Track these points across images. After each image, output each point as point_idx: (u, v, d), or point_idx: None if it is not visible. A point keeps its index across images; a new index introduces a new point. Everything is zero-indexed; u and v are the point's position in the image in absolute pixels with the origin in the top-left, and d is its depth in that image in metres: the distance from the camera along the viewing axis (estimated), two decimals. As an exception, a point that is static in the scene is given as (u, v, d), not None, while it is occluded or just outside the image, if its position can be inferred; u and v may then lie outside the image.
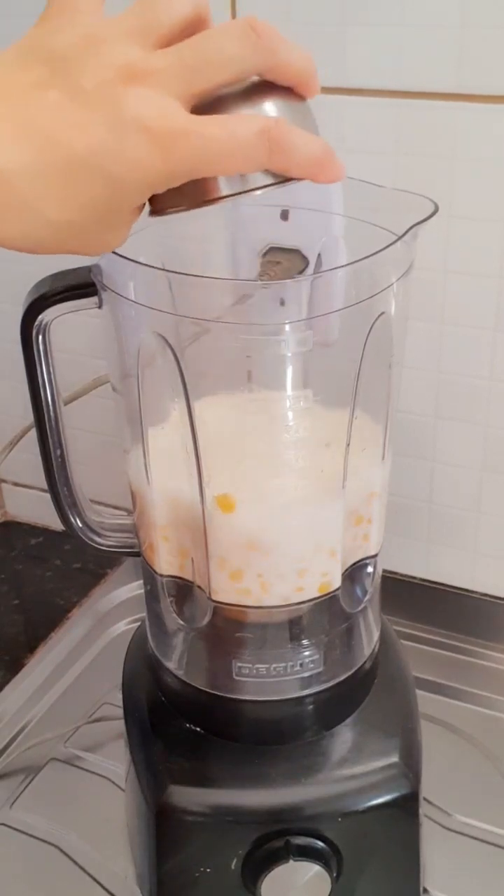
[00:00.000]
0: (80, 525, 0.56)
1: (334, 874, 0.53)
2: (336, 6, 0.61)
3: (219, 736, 0.54)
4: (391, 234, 0.46)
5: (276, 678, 0.53)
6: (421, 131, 0.63)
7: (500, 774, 0.67)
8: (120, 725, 0.59)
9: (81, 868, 0.62)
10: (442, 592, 0.78)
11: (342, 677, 0.54)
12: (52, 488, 0.55)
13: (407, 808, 0.54)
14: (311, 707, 0.54)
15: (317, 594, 0.51)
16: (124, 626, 0.82)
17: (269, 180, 0.38)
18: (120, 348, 0.50)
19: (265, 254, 0.56)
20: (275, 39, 0.38)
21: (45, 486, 0.55)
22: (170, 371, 0.47)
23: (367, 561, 0.55)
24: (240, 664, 0.52)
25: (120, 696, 0.60)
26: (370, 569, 0.55)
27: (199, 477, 0.49)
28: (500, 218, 0.63)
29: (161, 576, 0.54)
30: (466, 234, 0.64)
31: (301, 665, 0.53)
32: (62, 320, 0.50)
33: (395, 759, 0.53)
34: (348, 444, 0.49)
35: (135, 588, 0.84)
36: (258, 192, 0.38)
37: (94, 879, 0.62)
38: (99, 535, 0.57)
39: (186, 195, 0.38)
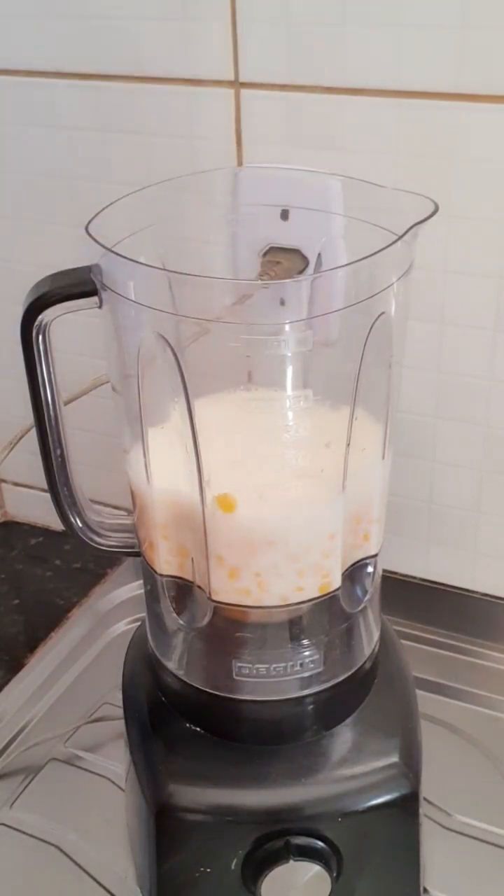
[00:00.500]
0: (80, 525, 0.56)
1: (334, 874, 0.53)
2: (336, 6, 0.61)
3: (219, 736, 0.54)
4: (391, 234, 0.46)
5: (275, 678, 0.53)
6: (421, 131, 0.63)
7: (500, 774, 0.67)
8: (120, 725, 0.59)
9: (81, 868, 0.62)
10: (442, 592, 0.78)
11: (342, 677, 0.54)
12: (52, 488, 0.55)
13: (407, 808, 0.54)
14: (311, 707, 0.54)
15: (317, 594, 0.51)
16: (124, 626, 0.82)
17: None
18: (120, 348, 0.50)
19: (265, 254, 0.56)
20: None
21: (45, 486, 0.55)
22: (170, 371, 0.47)
23: (367, 561, 0.55)
24: (240, 664, 0.52)
25: (120, 696, 0.60)
26: (370, 569, 0.55)
27: (199, 477, 0.49)
28: (500, 218, 0.63)
29: (161, 576, 0.54)
30: (466, 234, 0.64)
31: (301, 665, 0.53)
32: (62, 320, 0.50)
33: (395, 759, 0.53)
34: (348, 444, 0.49)
35: (135, 588, 0.84)
36: None
37: (94, 879, 0.62)
38: (99, 535, 0.57)
39: None
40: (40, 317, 0.49)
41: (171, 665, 0.55)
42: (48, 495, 0.55)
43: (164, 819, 0.52)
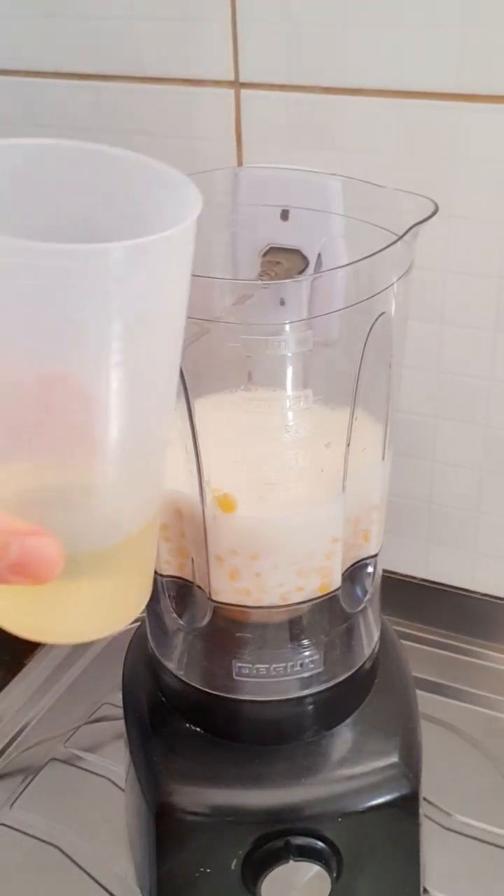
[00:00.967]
0: (80, 525, 0.56)
1: (334, 874, 0.53)
2: (336, 6, 0.61)
3: (219, 736, 0.54)
4: (391, 234, 0.46)
5: (275, 678, 0.53)
6: (421, 131, 0.63)
7: (500, 774, 0.67)
8: (120, 725, 0.59)
9: (81, 868, 0.62)
10: (442, 592, 0.78)
11: (342, 677, 0.54)
12: (52, 488, 0.54)
13: (407, 808, 0.54)
14: (311, 707, 0.54)
15: (317, 594, 0.51)
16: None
17: None
18: (120, 348, 0.50)
19: (265, 254, 0.56)
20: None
21: (45, 486, 0.55)
22: (170, 371, 0.47)
23: (367, 561, 0.55)
24: (240, 664, 0.52)
25: (120, 696, 0.60)
26: (370, 569, 0.55)
27: (199, 477, 0.49)
28: (500, 218, 0.63)
29: (161, 576, 0.54)
30: (466, 234, 0.64)
31: (301, 665, 0.53)
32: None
33: (395, 759, 0.53)
34: (348, 444, 0.49)
35: (135, 588, 0.84)
36: None
37: (94, 879, 0.61)
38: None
39: None
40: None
41: (171, 665, 0.55)
42: (48, 495, 0.55)
43: (164, 819, 0.52)
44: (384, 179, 0.52)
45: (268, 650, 0.52)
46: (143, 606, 0.41)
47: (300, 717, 0.54)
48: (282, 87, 0.65)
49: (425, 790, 0.56)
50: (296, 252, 0.55)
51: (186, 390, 0.47)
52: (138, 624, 0.62)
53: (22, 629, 0.38)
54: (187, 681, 0.54)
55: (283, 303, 0.46)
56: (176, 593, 0.54)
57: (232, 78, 0.66)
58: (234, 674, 0.53)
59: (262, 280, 0.54)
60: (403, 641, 0.63)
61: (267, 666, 0.52)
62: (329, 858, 0.52)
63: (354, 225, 0.52)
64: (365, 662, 0.56)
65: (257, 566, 0.50)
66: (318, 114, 0.65)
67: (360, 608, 0.55)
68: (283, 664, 0.52)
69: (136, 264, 0.31)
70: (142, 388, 0.34)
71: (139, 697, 0.58)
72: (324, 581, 0.51)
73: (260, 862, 0.52)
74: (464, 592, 0.78)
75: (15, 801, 0.67)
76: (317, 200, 0.54)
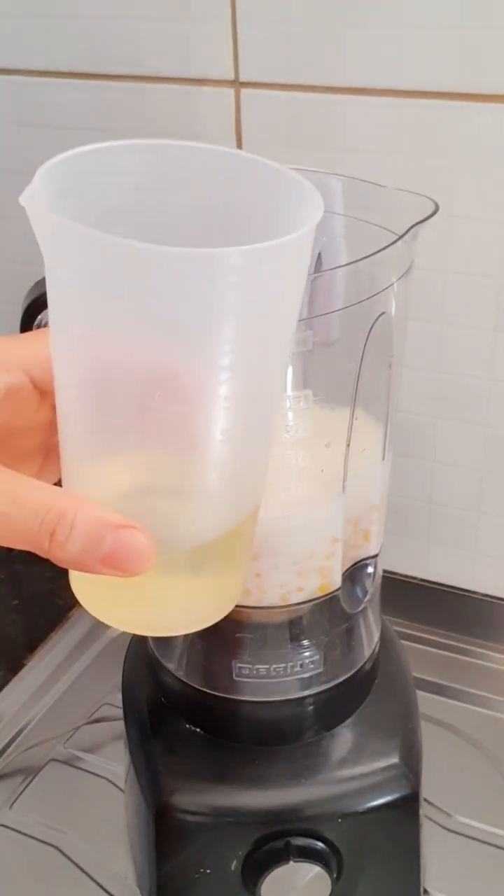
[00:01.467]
0: (80, 525, 0.56)
1: (334, 875, 0.53)
2: (336, 6, 0.61)
3: (219, 737, 0.54)
4: (391, 234, 0.46)
5: (276, 679, 0.52)
6: (421, 131, 0.62)
7: (500, 775, 0.67)
8: (120, 726, 0.59)
9: (81, 868, 0.62)
10: (442, 592, 0.78)
11: (342, 678, 0.54)
12: (52, 488, 0.54)
13: (407, 808, 0.54)
14: (311, 708, 0.54)
15: (317, 594, 0.51)
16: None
17: None
18: (120, 348, 0.50)
19: (265, 254, 0.56)
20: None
21: (45, 486, 0.54)
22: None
23: (368, 561, 0.55)
24: (240, 665, 0.52)
25: (120, 696, 0.60)
26: (370, 569, 0.55)
27: (199, 477, 0.48)
28: (500, 218, 0.63)
29: (161, 576, 0.54)
30: (466, 234, 0.64)
31: (301, 666, 0.53)
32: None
33: (395, 759, 0.53)
34: (348, 444, 0.49)
35: (135, 588, 0.84)
36: None
37: (94, 880, 0.61)
38: (99, 535, 0.57)
39: None
40: (40, 317, 0.49)
41: (171, 665, 0.55)
42: (48, 495, 0.55)
43: (164, 820, 0.52)
44: (384, 179, 0.52)
45: (268, 651, 0.52)
46: (235, 602, 0.42)
47: (300, 717, 0.54)
48: (282, 87, 0.65)
49: (425, 790, 0.56)
50: (296, 252, 0.55)
51: (186, 390, 0.47)
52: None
53: (116, 620, 0.39)
54: (187, 681, 0.54)
55: (283, 303, 0.46)
56: (176, 594, 0.54)
57: (232, 78, 0.66)
58: (234, 674, 0.52)
59: (262, 280, 0.54)
60: (403, 641, 0.63)
61: (267, 666, 0.52)
62: (329, 859, 0.52)
63: (354, 225, 0.52)
64: (365, 663, 0.56)
65: (257, 566, 0.50)
66: (318, 114, 0.65)
67: (360, 608, 0.55)
68: (283, 665, 0.52)
69: (254, 269, 0.31)
70: (249, 392, 0.35)
71: (139, 698, 0.58)
72: (324, 581, 0.51)
73: (260, 862, 0.52)
74: (464, 592, 0.78)
75: (15, 802, 0.67)
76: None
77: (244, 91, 0.66)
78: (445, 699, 0.74)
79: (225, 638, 0.53)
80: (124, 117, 0.70)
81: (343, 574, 0.52)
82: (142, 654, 0.59)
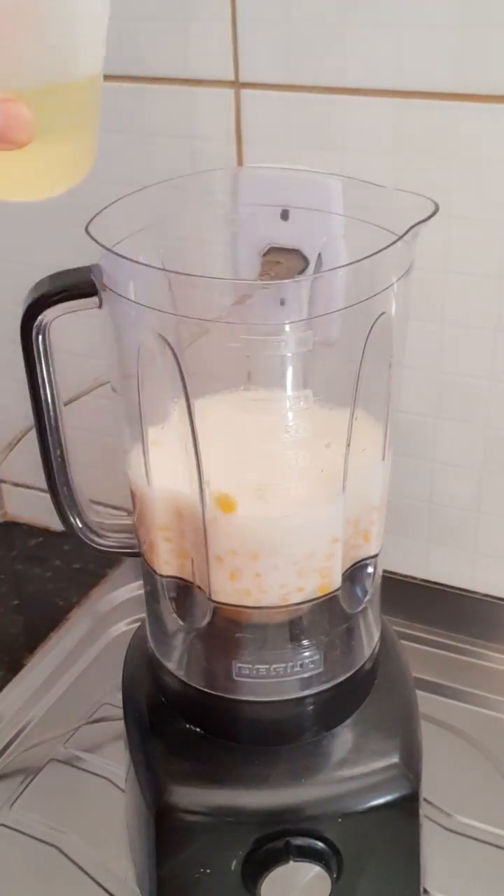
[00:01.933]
0: (80, 525, 0.56)
1: (334, 875, 0.53)
2: (336, 6, 0.61)
3: (219, 736, 0.54)
4: (391, 234, 0.46)
5: (276, 679, 0.53)
6: (421, 131, 0.62)
7: (501, 775, 0.67)
8: (120, 726, 0.59)
9: (81, 868, 0.62)
10: (442, 592, 0.78)
11: (342, 678, 0.54)
12: (52, 488, 0.54)
13: (407, 808, 0.54)
14: (311, 708, 0.54)
15: (317, 594, 0.51)
16: (124, 627, 0.82)
17: None
18: (120, 348, 0.50)
19: (265, 254, 0.56)
20: None
21: (45, 486, 0.55)
22: (170, 371, 0.47)
23: (368, 561, 0.55)
24: (240, 665, 0.52)
25: (120, 696, 0.60)
26: (370, 569, 0.55)
27: (199, 477, 0.49)
28: (500, 218, 0.63)
29: (161, 576, 0.54)
30: (466, 234, 0.64)
31: (301, 665, 0.53)
32: (62, 320, 0.50)
33: (395, 759, 0.53)
34: (348, 445, 0.49)
35: (135, 588, 0.84)
36: None
37: (94, 880, 0.61)
38: (99, 535, 0.57)
39: None
40: (40, 317, 0.49)
41: (171, 666, 0.55)
42: (48, 495, 0.55)
43: (164, 820, 0.52)
44: (384, 179, 0.52)
45: (268, 650, 0.52)
46: (83, 173, 0.43)
47: (300, 717, 0.54)
48: (282, 87, 0.65)
49: (425, 790, 0.56)
50: (296, 252, 0.55)
51: (186, 390, 0.47)
52: (138, 624, 0.62)
53: None
54: (187, 681, 0.54)
55: (283, 303, 0.46)
56: (176, 594, 0.54)
57: (232, 78, 0.66)
58: (234, 674, 0.53)
59: (262, 280, 0.54)
60: (403, 641, 0.63)
61: (267, 666, 0.52)
62: (329, 859, 0.52)
63: (354, 225, 0.52)
64: (365, 663, 0.56)
65: (257, 566, 0.50)
66: (318, 114, 0.65)
67: (360, 608, 0.55)
68: (283, 664, 0.52)
69: None
70: None
71: (139, 698, 0.58)
72: (324, 581, 0.51)
73: (260, 862, 0.52)
74: (464, 592, 0.78)
75: (15, 802, 0.67)
76: (317, 200, 0.54)
77: (244, 91, 0.66)
78: (445, 699, 0.74)
79: (225, 638, 0.53)
80: (124, 117, 0.70)
81: (343, 574, 0.52)
82: (142, 654, 0.59)
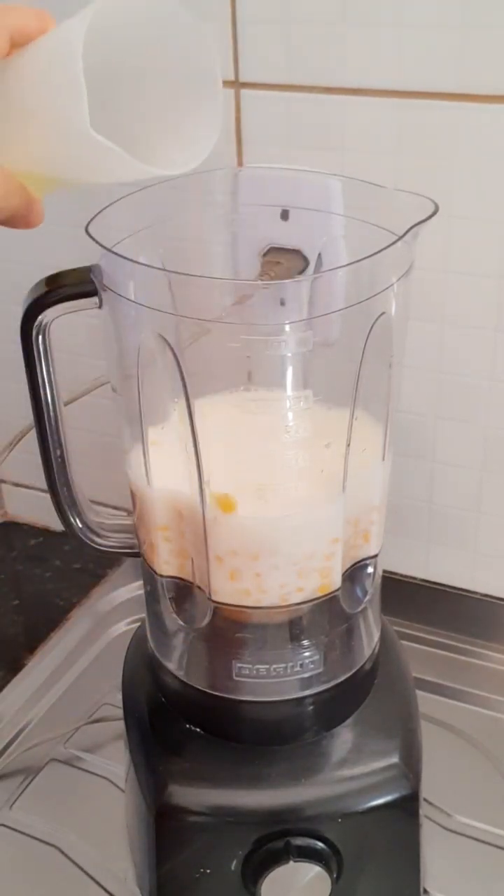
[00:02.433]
0: (80, 525, 0.56)
1: (334, 875, 0.53)
2: (336, 6, 0.61)
3: (219, 736, 0.54)
4: (391, 234, 0.46)
5: (276, 679, 0.52)
6: (421, 131, 0.62)
7: (501, 775, 0.67)
8: (120, 726, 0.59)
9: (81, 868, 0.62)
10: (442, 592, 0.78)
11: (342, 678, 0.54)
12: (52, 488, 0.54)
13: (407, 808, 0.54)
14: (311, 708, 0.54)
15: (317, 595, 0.51)
16: (124, 627, 0.82)
17: None
18: (120, 348, 0.50)
19: (265, 254, 0.56)
20: None
21: (45, 486, 0.55)
22: (170, 371, 0.47)
23: (367, 561, 0.55)
24: (240, 665, 0.52)
25: (120, 696, 0.60)
26: (370, 569, 0.55)
27: (199, 477, 0.49)
28: (500, 218, 0.63)
29: (161, 576, 0.54)
30: (466, 234, 0.64)
31: (301, 666, 0.53)
32: (62, 320, 0.50)
33: (395, 759, 0.53)
34: (348, 445, 0.49)
35: (135, 589, 0.84)
36: None
37: (94, 880, 0.61)
38: (99, 535, 0.57)
39: None
40: (40, 317, 0.49)
41: (171, 665, 0.55)
42: (48, 495, 0.55)
43: (164, 820, 0.52)
44: (384, 179, 0.52)
45: (268, 651, 0.52)
46: None
47: (300, 717, 0.54)
48: (282, 87, 0.65)
49: (425, 790, 0.56)
50: (296, 252, 0.55)
51: (186, 390, 0.47)
52: (138, 625, 0.62)
53: None
54: (187, 681, 0.54)
55: (283, 303, 0.46)
56: (176, 594, 0.54)
57: (232, 78, 0.66)
58: (234, 674, 0.53)
59: (262, 280, 0.54)
60: (403, 642, 0.63)
61: (267, 666, 0.52)
62: (329, 859, 0.52)
63: (354, 225, 0.52)
64: (365, 663, 0.56)
65: (257, 566, 0.50)
66: (318, 114, 0.65)
67: (360, 609, 0.55)
68: (283, 665, 0.52)
69: None
70: None
71: (139, 698, 0.58)
72: (324, 581, 0.51)
73: (260, 862, 0.52)
74: (464, 592, 0.78)
75: (15, 802, 0.67)
76: (317, 200, 0.54)
77: (244, 91, 0.66)
78: (445, 699, 0.74)
79: (225, 638, 0.53)
80: (124, 117, 0.70)
81: (343, 574, 0.52)
82: (142, 654, 0.59)
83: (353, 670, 0.55)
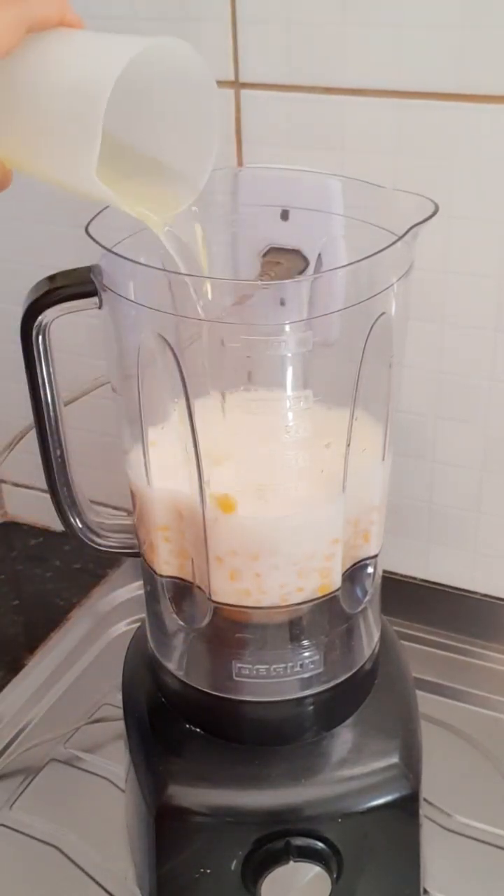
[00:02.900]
0: (80, 526, 0.56)
1: (334, 875, 0.53)
2: (336, 6, 0.61)
3: (219, 737, 0.54)
4: (391, 234, 0.46)
5: (276, 679, 0.52)
6: (421, 131, 0.62)
7: (501, 775, 0.67)
8: (120, 726, 0.59)
9: (81, 869, 0.62)
10: (442, 592, 0.78)
11: (342, 678, 0.54)
12: (52, 488, 0.54)
13: (407, 808, 0.54)
14: (311, 708, 0.54)
15: (317, 595, 0.51)
16: (124, 627, 0.82)
17: None
18: (120, 348, 0.50)
19: (265, 254, 0.56)
20: None
21: (45, 486, 0.55)
22: (170, 371, 0.47)
23: (367, 561, 0.55)
24: (240, 665, 0.52)
25: (120, 696, 0.60)
26: (370, 569, 0.55)
27: (199, 477, 0.49)
28: (500, 218, 0.63)
29: (161, 576, 0.54)
30: (466, 234, 0.64)
31: (301, 666, 0.53)
32: (62, 320, 0.50)
33: (395, 759, 0.53)
34: (348, 445, 0.49)
35: (135, 589, 0.84)
36: None
37: (94, 880, 0.61)
38: (99, 535, 0.57)
39: None
40: (40, 317, 0.49)
41: (171, 666, 0.55)
42: (48, 496, 0.55)
43: (164, 820, 0.52)
44: (384, 179, 0.52)
45: (268, 651, 0.52)
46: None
47: (300, 717, 0.54)
48: (282, 87, 0.65)
49: (425, 791, 0.56)
50: (296, 252, 0.55)
51: (186, 390, 0.47)
52: (138, 625, 0.62)
53: None
54: (187, 681, 0.54)
55: (283, 303, 0.46)
56: (176, 594, 0.54)
57: (232, 78, 0.66)
58: (234, 674, 0.53)
59: (262, 280, 0.54)
60: (403, 642, 0.63)
61: (267, 666, 0.52)
62: (329, 859, 0.52)
63: (354, 225, 0.52)
64: (365, 663, 0.56)
65: (257, 567, 0.50)
66: (318, 114, 0.65)
67: (360, 609, 0.55)
68: (283, 665, 0.52)
69: None
70: None
71: (139, 698, 0.58)
72: (324, 582, 0.51)
73: (260, 863, 0.52)
74: (464, 592, 0.78)
75: (15, 802, 0.67)
76: (317, 200, 0.54)
77: (244, 91, 0.66)
78: (445, 699, 0.74)
79: (225, 638, 0.53)
80: (124, 117, 0.70)
81: (343, 574, 0.52)
82: (142, 654, 0.59)
83: (354, 670, 0.55)
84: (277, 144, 0.67)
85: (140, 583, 0.60)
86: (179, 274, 0.45)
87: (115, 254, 0.45)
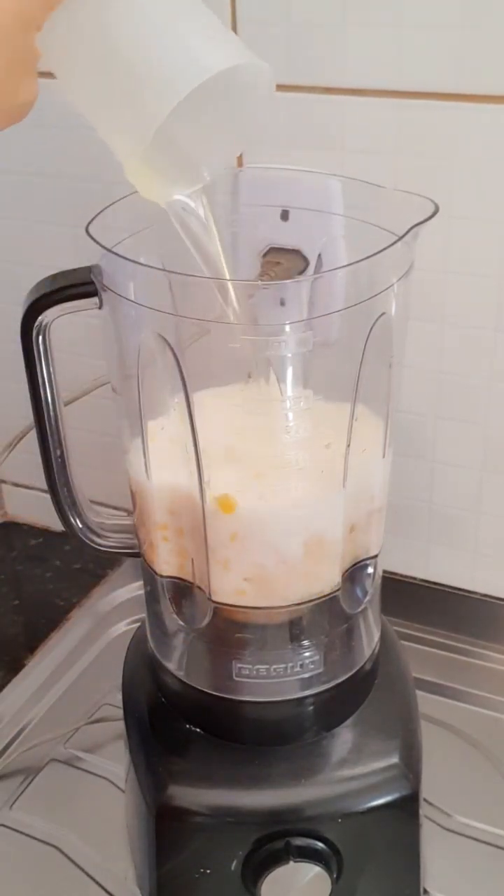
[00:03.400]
0: (80, 526, 0.56)
1: (334, 875, 0.53)
2: (336, 6, 0.61)
3: (219, 737, 0.54)
4: (391, 234, 0.46)
5: (276, 679, 0.53)
6: (421, 131, 0.62)
7: (501, 775, 0.67)
8: (120, 726, 0.59)
9: (81, 869, 0.62)
10: (442, 593, 0.78)
11: (342, 678, 0.54)
12: (52, 488, 0.54)
13: (407, 808, 0.54)
14: (311, 708, 0.54)
15: (317, 595, 0.51)
16: (124, 627, 0.82)
17: None
18: (120, 349, 0.50)
19: (265, 254, 0.56)
20: None
21: (45, 486, 0.55)
22: (170, 371, 0.47)
23: (367, 561, 0.55)
24: (240, 665, 0.52)
25: (120, 696, 0.60)
26: (370, 569, 0.55)
27: (199, 477, 0.49)
28: (500, 218, 0.63)
29: (161, 576, 0.54)
30: (466, 234, 0.64)
31: (301, 666, 0.53)
32: (62, 320, 0.50)
33: (395, 759, 0.53)
34: (348, 445, 0.49)
35: (135, 589, 0.84)
36: None
37: (94, 880, 0.61)
38: (99, 535, 0.57)
39: None
40: (40, 317, 0.49)
41: (171, 666, 0.55)
42: (48, 496, 0.55)
43: (164, 820, 0.52)
44: (384, 179, 0.52)
45: (268, 651, 0.52)
46: None
47: (300, 717, 0.54)
48: (281, 87, 0.65)
49: (425, 791, 0.56)
50: (296, 252, 0.55)
51: (186, 391, 0.47)
52: (138, 625, 0.62)
53: None
54: (187, 681, 0.54)
55: (283, 303, 0.46)
56: (176, 594, 0.54)
57: (232, 78, 0.66)
58: (234, 674, 0.53)
59: (262, 280, 0.54)
60: (403, 642, 0.63)
61: (267, 667, 0.52)
62: (329, 859, 0.52)
63: (354, 225, 0.52)
64: (365, 663, 0.56)
65: (257, 567, 0.50)
66: (318, 114, 0.65)
67: (360, 609, 0.55)
68: (283, 665, 0.52)
69: None
70: None
71: (139, 698, 0.58)
72: (324, 581, 0.51)
73: (260, 863, 0.52)
74: (464, 592, 0.78)
75: (15, 802, 0.67)
76: (317, 200, 0.54)
77: (244, 91, 0.66)
78: (445, 699, 0.74)
79: (225, 638, 0.53)
80: (124, 117, 0.70)
81: (343, 574, 0.52)
82: (142, 654, 0.59)
83: (354, 670, 0.55)
84: (277, 144, 0.67)
85: (140, 583, 0.60)
86: (180, 274, 0.45)
87: (115, 254, 0.45)
